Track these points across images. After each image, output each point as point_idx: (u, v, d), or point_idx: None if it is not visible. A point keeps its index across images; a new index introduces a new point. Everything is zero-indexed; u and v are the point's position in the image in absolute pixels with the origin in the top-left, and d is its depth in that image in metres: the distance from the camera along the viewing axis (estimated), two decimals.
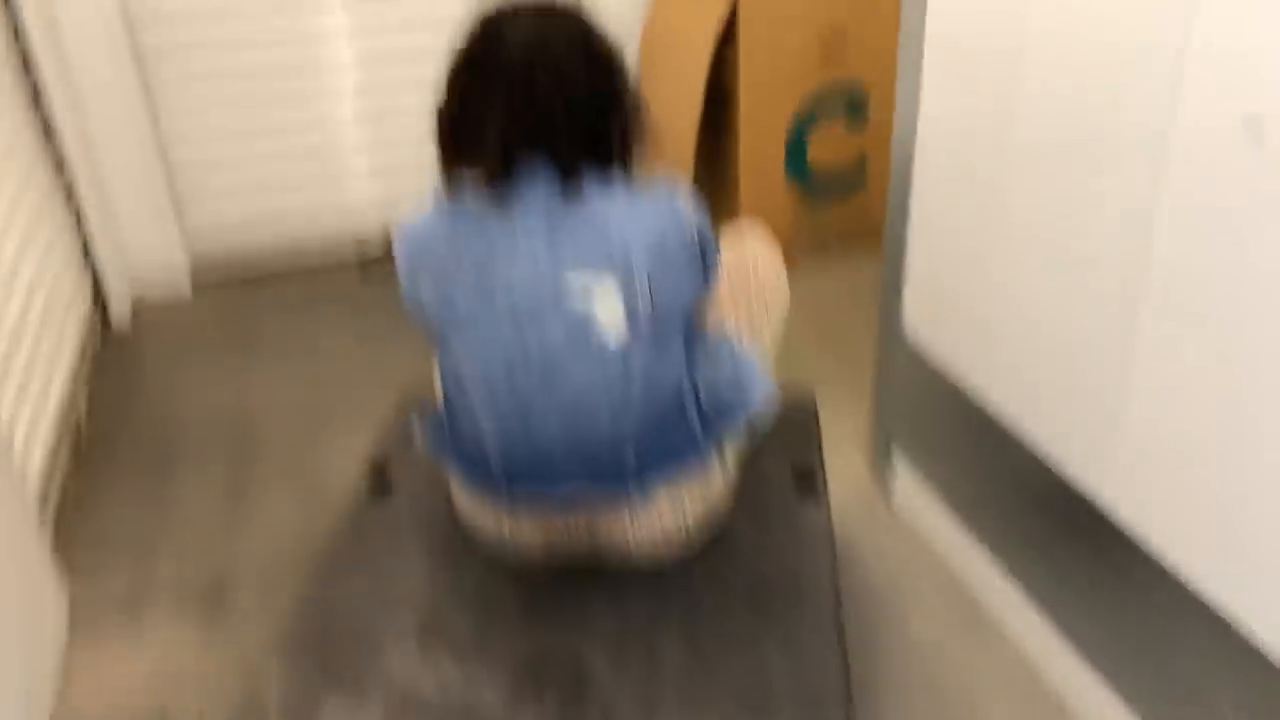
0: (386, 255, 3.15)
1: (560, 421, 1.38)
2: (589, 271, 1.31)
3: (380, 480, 1.73)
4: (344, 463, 2.29)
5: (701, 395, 1.44)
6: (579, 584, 1.49)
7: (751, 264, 1.68)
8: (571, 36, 1.34)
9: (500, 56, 1.30)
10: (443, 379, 1.46)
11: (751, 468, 1.66)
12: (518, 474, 1.44)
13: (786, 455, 1.73)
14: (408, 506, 1.67)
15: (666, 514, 1.47)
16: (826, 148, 3.18)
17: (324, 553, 1.60)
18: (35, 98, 2.74)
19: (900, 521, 2.16)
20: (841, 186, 3.27)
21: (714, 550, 1.53)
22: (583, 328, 1.33)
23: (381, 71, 3.27)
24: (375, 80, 3.28)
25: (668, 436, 1.42)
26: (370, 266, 3.37)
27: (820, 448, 1.80)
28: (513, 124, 1.30)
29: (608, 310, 1.31)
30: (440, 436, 1.51)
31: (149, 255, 3.24)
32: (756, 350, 1.61)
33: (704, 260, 1.40)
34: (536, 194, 1.31)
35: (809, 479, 1.68)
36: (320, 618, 1.47)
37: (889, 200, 2.01)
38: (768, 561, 1.52)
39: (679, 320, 1.39)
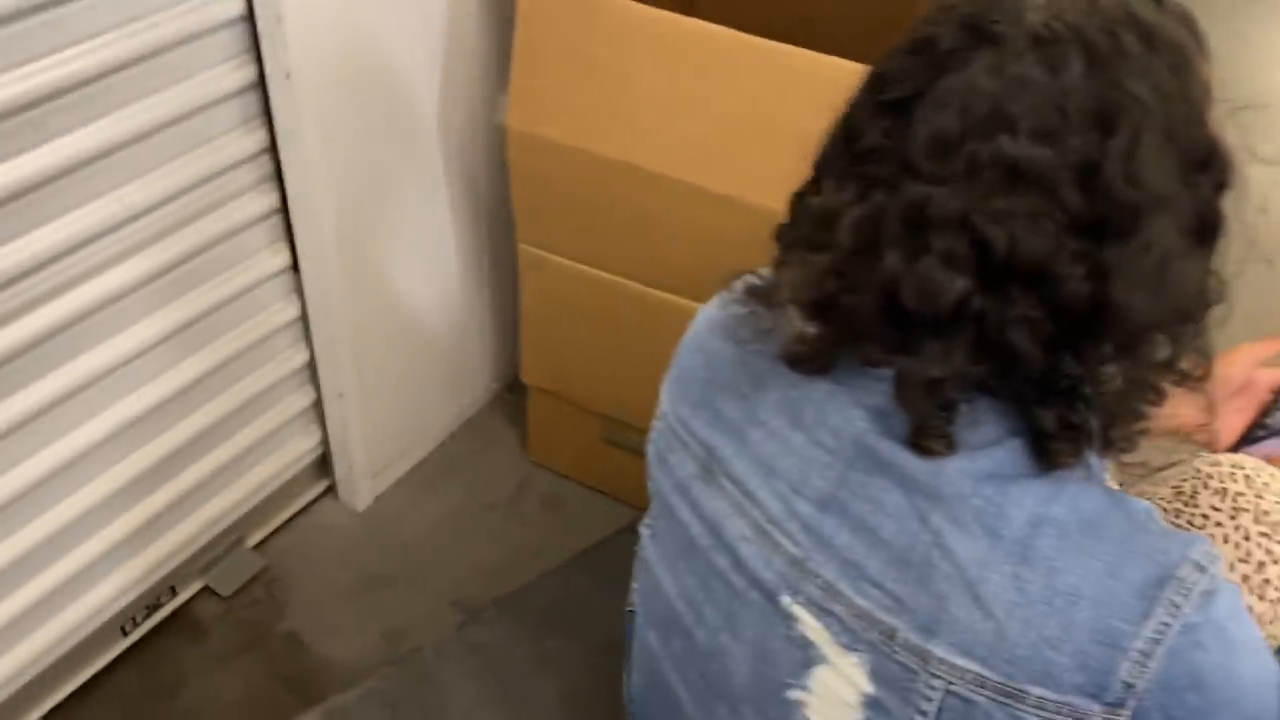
0: None
1: None
2: (845, 621, 0.67)
3: None
4: None
5: None
6: None
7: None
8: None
9: (938, 132, 0.60)
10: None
11: None
12: None
13: None
14: None
15: None
16: None
17: None
18: None
19: None
20: None
21: None
22: (774, 689, 0.72)
23: None
24: None
25: None
26: None
27: None
28: (900, 283, 0.61)
29: (825, 703, 0.70)
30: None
31: None
32: None
33: None
34: (852, 415, 0.66)
35: None
36: None
37: None
38: None
39: None
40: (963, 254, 0.59)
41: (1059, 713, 0.62)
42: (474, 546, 1.67)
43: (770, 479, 0.69)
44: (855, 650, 0.67)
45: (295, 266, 1.42)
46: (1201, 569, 0.61)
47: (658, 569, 0.82)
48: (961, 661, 0.63)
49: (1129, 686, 0.60)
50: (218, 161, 1.26)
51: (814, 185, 0.67)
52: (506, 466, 1.79)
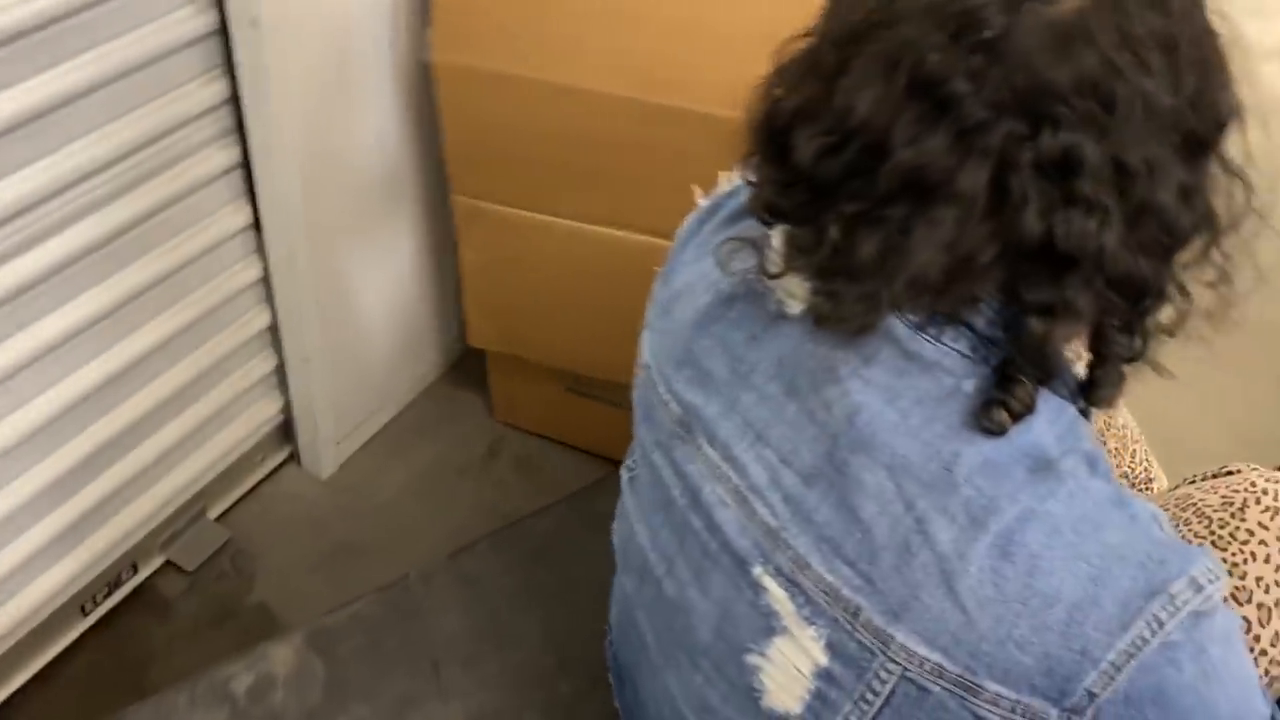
0: None
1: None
2: (810, 595, 0.64)
3: None
4: None
5: None
6: None
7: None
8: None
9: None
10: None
11: None
12: None
13: None
14: None
15: None
16: None
17: None
18: None
19: None
20: None
21: None
22: (734, 650, 0.71)
23: None
24: None
25: None
26: None
27: None
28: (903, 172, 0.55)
29: (780, 671, 0.68)
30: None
31: None
32: None
33: None
34: (850, 387, 0.62)
35: None
36: None
37: None
38: None
39: None
40: (1107, 202, 0.54)
41: (1014, 711, 0.59)
42: (446, 511, 1.62)
43: (758, 446, 0.66)
44: (815, 624, 0.65)
45: (256, 225, 1.34)
46: (1198, 587, 0.57)
47: (633, 517, 0.81)
48: (922, 650, 0.61)
49: (1092, 695, 0.57)
50: (175, 114, 1.18)
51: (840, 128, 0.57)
52: (475, 430, 1.74)
